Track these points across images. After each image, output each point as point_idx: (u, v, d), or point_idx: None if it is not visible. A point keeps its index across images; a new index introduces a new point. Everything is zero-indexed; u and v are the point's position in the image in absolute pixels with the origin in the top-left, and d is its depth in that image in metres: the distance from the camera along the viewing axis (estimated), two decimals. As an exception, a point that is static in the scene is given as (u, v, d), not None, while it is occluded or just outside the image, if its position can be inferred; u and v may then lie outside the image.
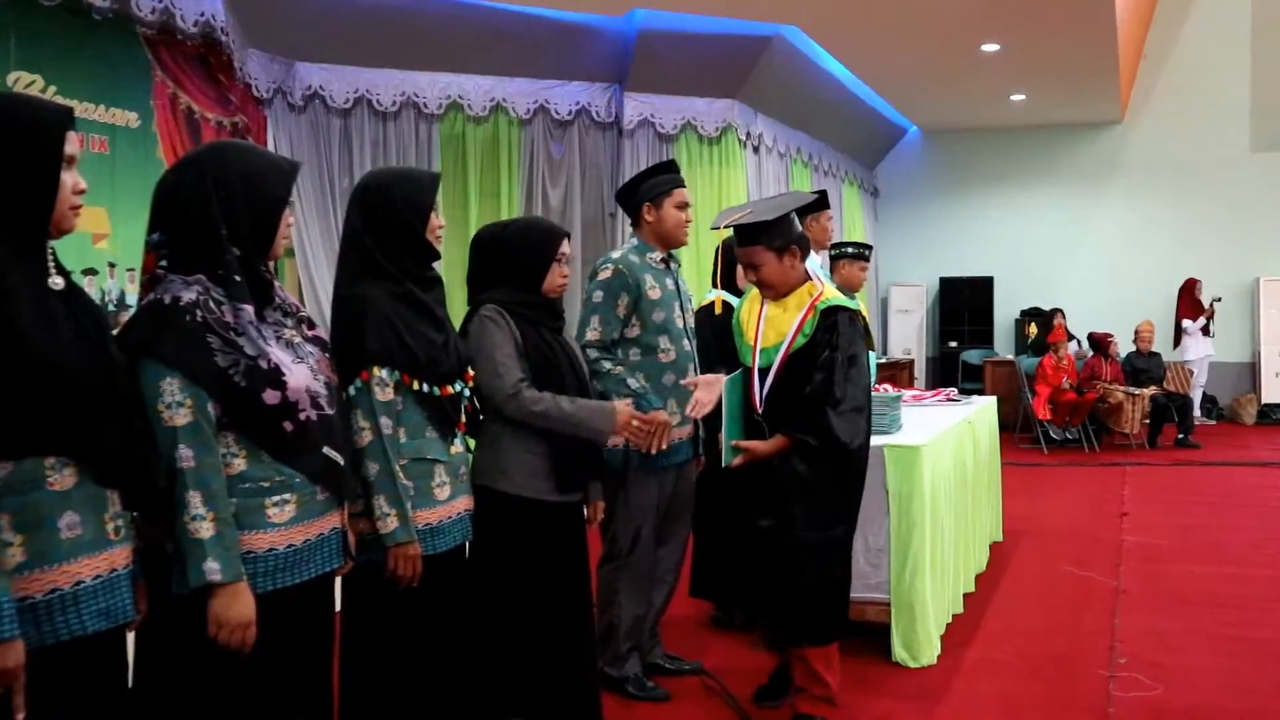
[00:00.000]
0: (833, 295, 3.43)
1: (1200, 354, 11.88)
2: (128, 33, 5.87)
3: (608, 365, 3.66)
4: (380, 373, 2.55)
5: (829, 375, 3.27)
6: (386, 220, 2.67)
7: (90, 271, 5.68)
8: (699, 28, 8.24)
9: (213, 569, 2.01)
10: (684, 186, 3.86)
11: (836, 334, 3.31)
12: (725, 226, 3.45)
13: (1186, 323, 11.84)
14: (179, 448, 2.01)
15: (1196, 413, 11.85)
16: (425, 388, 2.61)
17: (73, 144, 1.85)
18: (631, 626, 3.82)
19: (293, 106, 7.40)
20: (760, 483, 3.38)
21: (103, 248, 5.64)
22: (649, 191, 3.81)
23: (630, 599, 3.79)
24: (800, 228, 3.45)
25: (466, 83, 8.14)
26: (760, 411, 3.40)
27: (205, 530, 2.02)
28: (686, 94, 8.84)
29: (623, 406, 3.20)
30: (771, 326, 3.43)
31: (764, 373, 3.41)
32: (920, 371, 13.24)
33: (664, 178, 3.85)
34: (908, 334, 13.49)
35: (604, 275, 3.73)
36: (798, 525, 3.33)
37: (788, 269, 3.41)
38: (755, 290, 3.54)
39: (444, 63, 7.99)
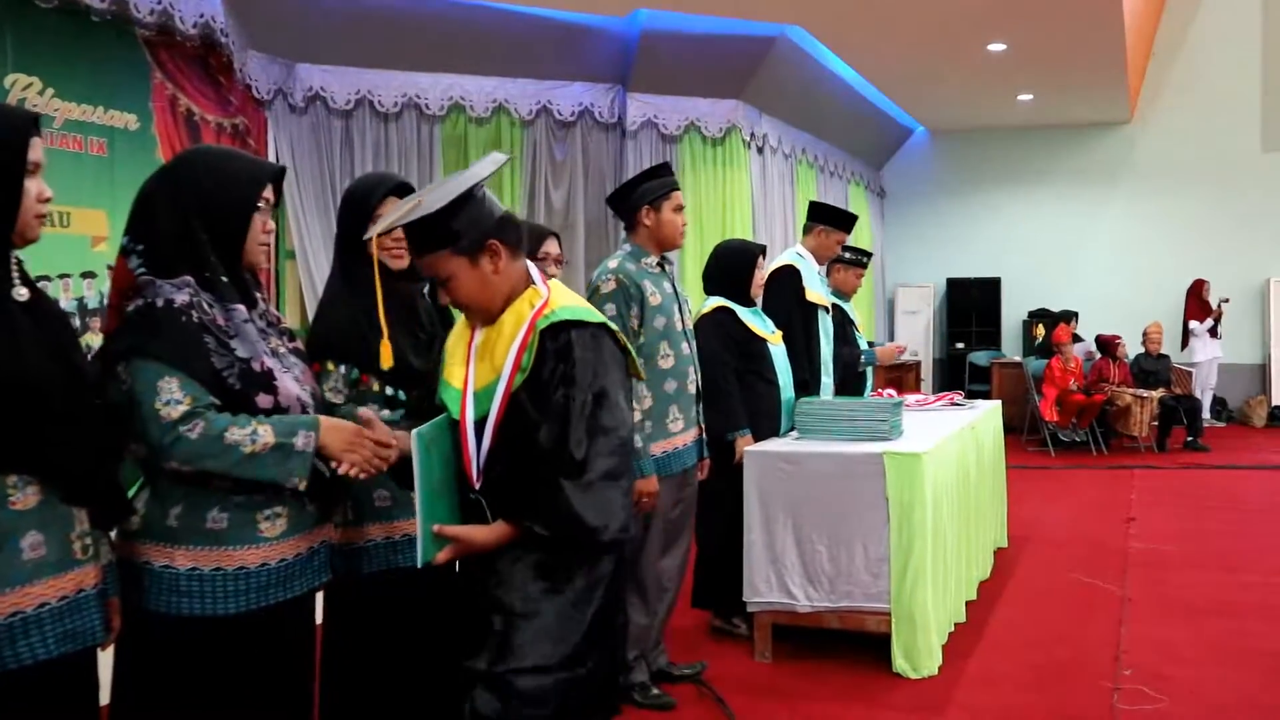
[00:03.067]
0: (565, 303, 2.33)
1: (1208, 356, 11.78)
2: (126, 34, 5.83)
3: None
4: (335, 368, 2.53)
5: (562, 428, 2.20)
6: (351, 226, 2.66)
7: (89, 274, 5.65)
8: (702, 28, 8.19)
9: (302, 440, 2.06)
10: (679, 189, 3.85)
11: (570, 363, 2.24)
12: (386, 232, 2.43)
13: (1194, 324, 11.75)
14: (181, 428, 1.97)
15: (1206, 415, 11.76)
16: (389, 391, 2.58)
17: (37, 151, 1.81)
18: (638, 635, 3.78)
19: (294, 108, 7.36)
20: (479, 593, 2.30)
21: (102, 250, 5.61)
22: (647, 195, 3.77)
23: (635, 608, 3.75)
24: (501, 211, 2.32)
25: (468, 83, 8.10)
26: (478, 484, 2.29)
27: (265, 433, 2.02)
28: (690, 94, 8.79)
29: None
30: (485, 361, 2.30)
31: (481, 426, 2.29)
32: (927, 373, 13.17)
33: (661, 180, 3.81)
34: (914, 335, 13.40)
35: (608, 288, 3.66)
36: (512, 658, 2.20)
37: (489, 277, 2.28)
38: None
39: (446, 63, 7.96)
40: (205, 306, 2.07)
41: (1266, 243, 12.34)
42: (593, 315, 2.34)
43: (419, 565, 2.22)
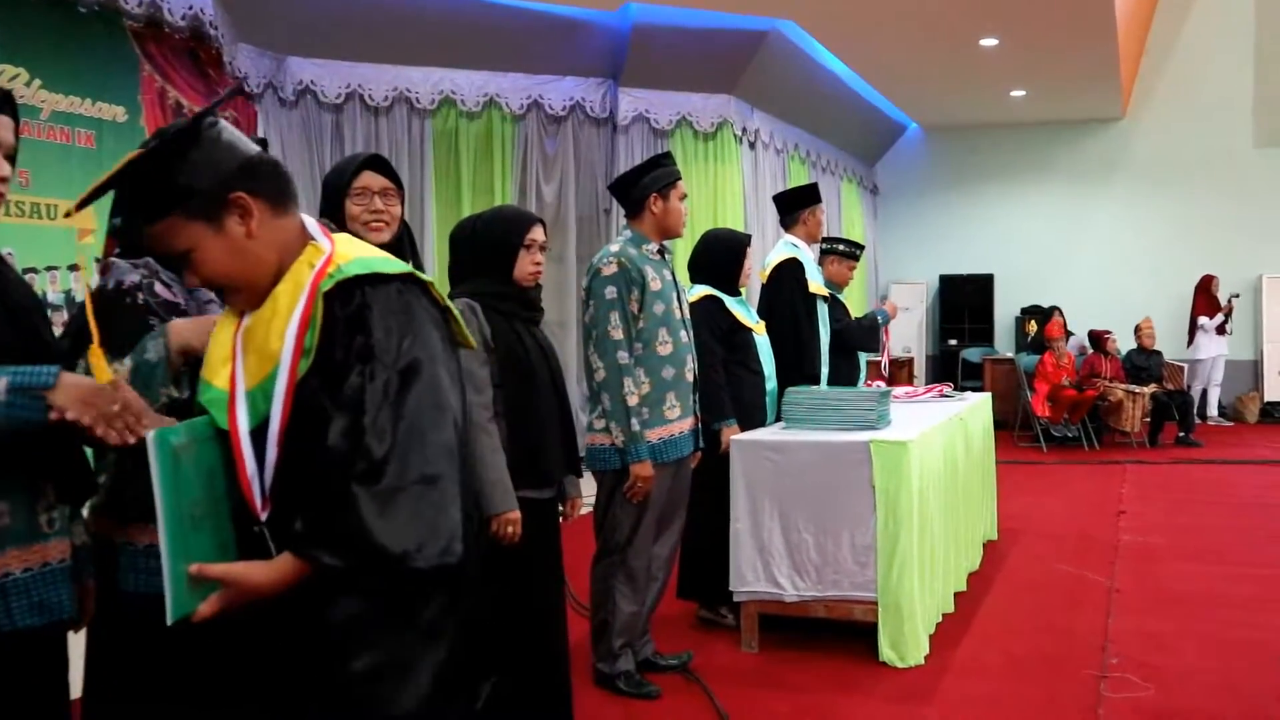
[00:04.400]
0: (356, 254, 1.77)
1: (1214, 352, 11.76)
2: (115, 26, 5.84)
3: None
4: None
5: (356, 418, 1.64)
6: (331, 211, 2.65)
7: (75, 267, 5.64)
8: (693, 22, 8.19)
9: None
10: (682, 178, 3.89)
11: (367, 331, 1.68)
12: (91, 200, 1.74)
13: (1203, 320, 11.73)
14: None
15: (1212, 412, 11.76)
16: None
17: (4, 129, 1.79)
18: (625, 624, 3.77)
19: (284, 101, 7.36)
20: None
21: (88, 243, 5.60)
22: (656, 182, 3.78)
23: (625, 596, 3.75)
24: (247, 153, 1.75)
25: (459, 78, 8.10)
26: (263, 513, 1.71)
27: None
28: (681, 89, 8.80)
29: (516, 517, 2.93)
30: (255, 351, 1.73)
31: (260, 436, 1.70)
32: (920, 369, 13.16)
33: (668, 169, 3.84)
34: (908, 332, 13.40)
35: (609, 270, 3.66)
36: None
37: (242, 243, 1.72)
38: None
39: (437, 57, 7.96)
40: (159, 287, 2.06)
41: (1260, 239, 12.36)
42: (394, 265, 1.75)
43: (169, 621, 1.62)
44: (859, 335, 5.36)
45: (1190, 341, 11.90)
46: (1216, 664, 4.05)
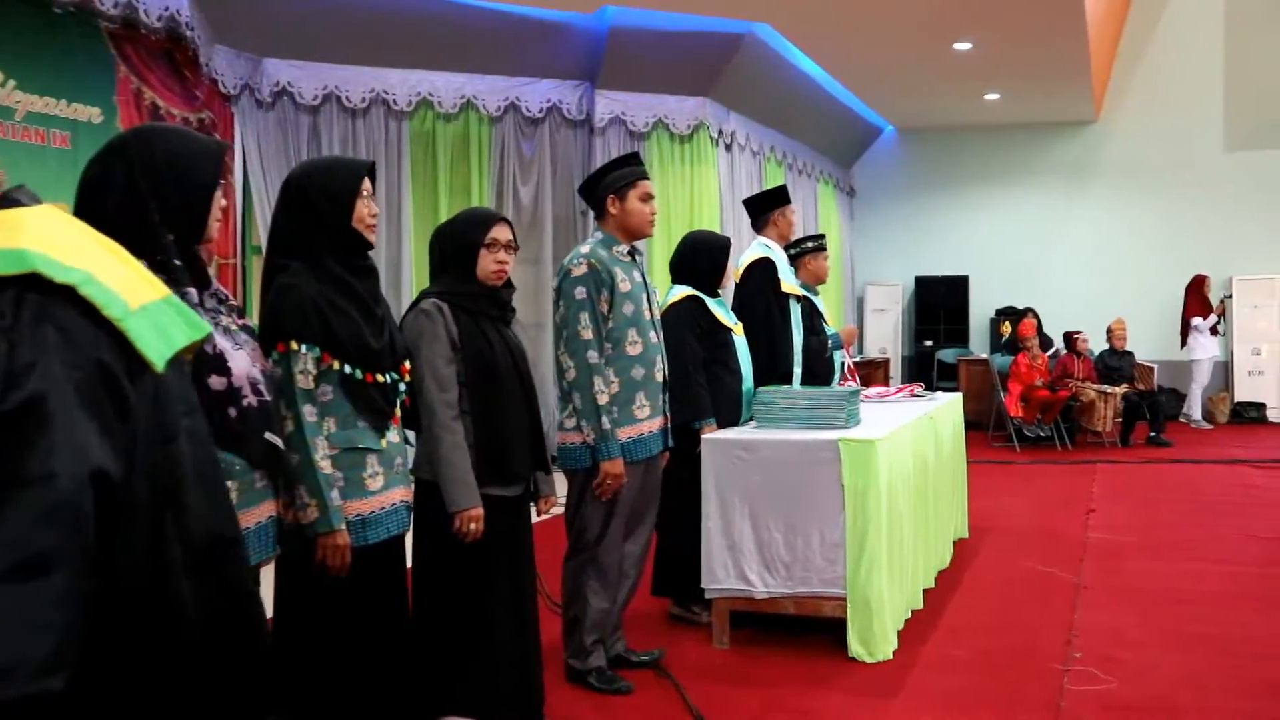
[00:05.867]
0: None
1: (1207, 354, 11.84)
2: (90, 27, 5.84)
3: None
4: (299, 348, 2.53)
5: None
6: (304, 209, 2.65)
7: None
8: (670, 25, 8.25)
9: None
10: (648, 179, 3.88)
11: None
12: None
13: (1197, 320, 11.83)
14: None
15: (1197, 415, 11.85)
16: (348, 369, 2.59)
17: None
18: (597, 620, 3.82)
19: (260, 103, 7.37)
20: None
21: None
22: (613, 183, 3.82)
23: (596, 593, 3.79)
24: None
25: (437, 79, 8.14)
26: None
27: None
28: (658, 91, 8.86)
29: (479, 514, 3.00)
30: None
31: None
32: (896, 370, 13.27)
33: (627, 169, 3.86)
34: (884, 333, 13.53)
35: (579, 271, 3.71)
36: None
37: None
38: None
39: (414, 59, 7.99)
40: None
41: (1230, 241, 12.52)
42: (42, 263, 1.23)
43: None
44: (806, 354, 5.34)
45: (1184, 343, 12.01)
46: (1178, 658, 4.13)
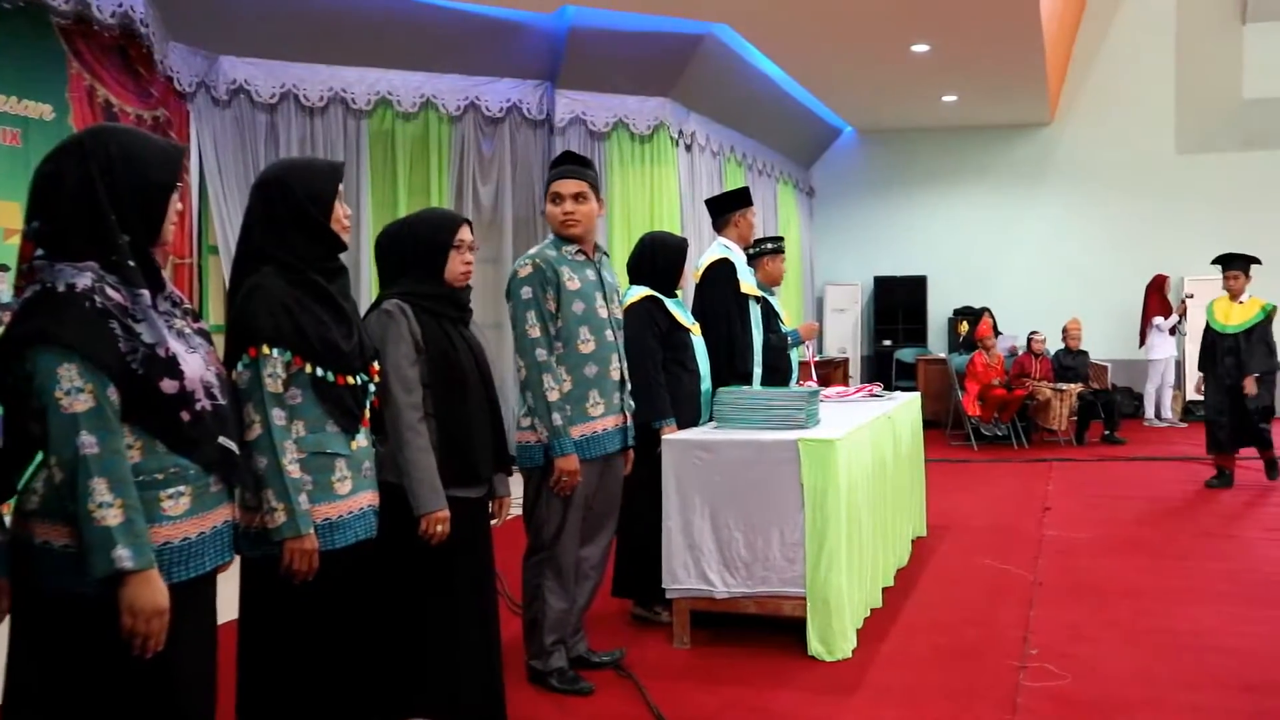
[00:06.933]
0: None
1: (1166, 354, 12.00)
2: (41, 23, 5.76)
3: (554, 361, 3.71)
4: (270, 352, 2.50)
5: None
6: (287, 210, 2.62)
7: (2, 268, 5.56)
8: (630, 25, 8.26)
9: (123, 556, 1.96)
10: (563, 178, 3.81)
11: None
12: None
13: (1158, 320, 11.98)
14: (80, 434, 1.96)
15: (1167, 414, 11.98)
16: (320, 372, 2.57)
17: None
18: (556, 621, 3.81)
19: (217, 101, 7.29)
20: None
21: (15, 243, 5.52)
22: (547, 188, 3.87)
23: (554, 593, 3.79)
24: None
25: (396, 78, 8.09)
26: None
27: (113, 517, 1.96)
28: (618, 91, 8.86)
29: (446, 516, 3.00)
30: None
31: None
32: (855, 370, 13.37)
33: (550, 172, 3.88)
34: (843, 333, 13.62)
35: (525, 272, 3.73)
36: None
37: None
38: None
39: (373, 58, 7.94)
40: (109, 290, 2.05)
41: (1181, 242, 12.71)
42: None
43: None
44: (768, 352, 5.37)
45: (1142, 342, 12.17)
46: (1132, 652, 4.20)
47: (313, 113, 7.77)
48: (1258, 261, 8.08)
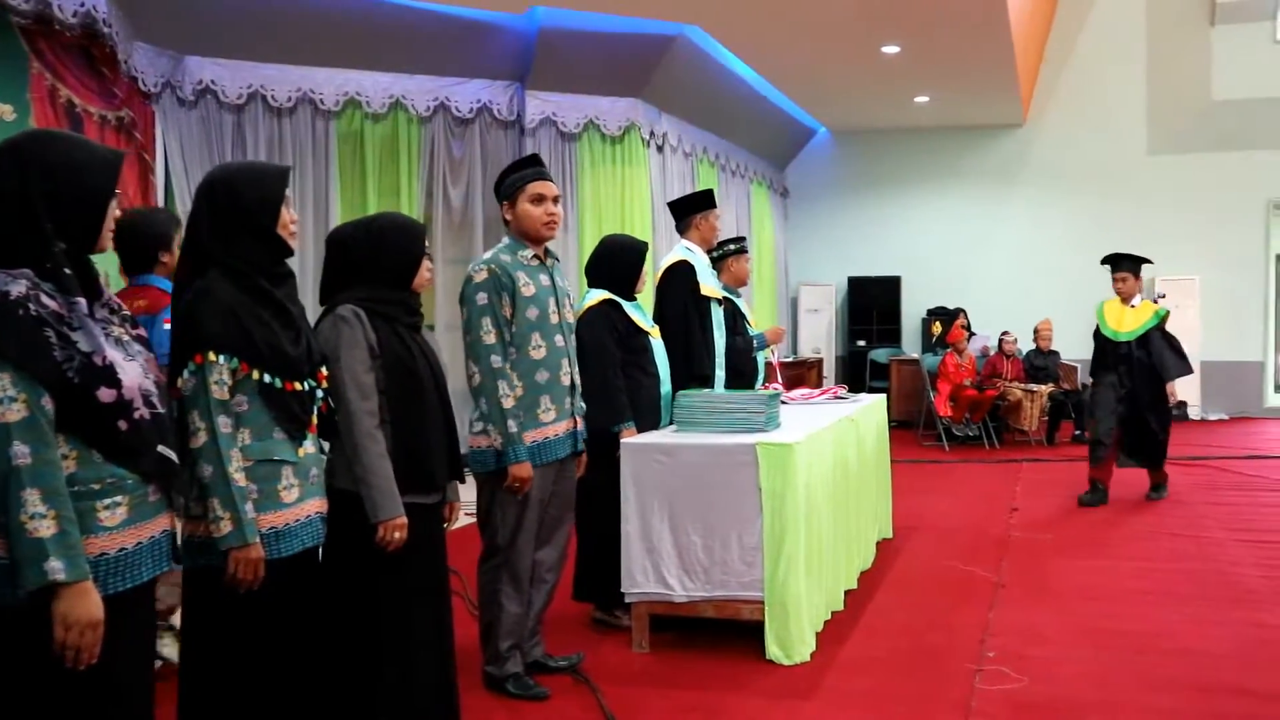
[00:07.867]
0: None
1: None
2: (1, 23, 5.69)
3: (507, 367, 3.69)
4: (216, 359, 2.48)
5: None
6: (234, 215, 2.60)
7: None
8: (600, 26, 8.25)
9: (56, 568, 1.95)
10: (544, 179, 3.81)
11: None
12: None
13: None
14: (12, 445, 1.94)
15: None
16: (267, 379, 2.55)
17: None
18: (511, 625, 3.81)
19: (183, 101, 7.25)
20: None
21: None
22: (506, 189, 3.83)
23: (509, 597, 3.78)
24: None
25: (364, 79, 8.05)
26: None
27: (46, 529, 1.95)
28: (589, 92, 8.85)
29: (404, 523, 2.97)
30: None
31: None
32: (830, 370, 13.40)
33: (520, 173, 3.84)
34: (817, 333, 13.65)
35: (480, 278, 3.71)
36: None
37: None
38: None
39: (341, 58, 7.90)
40: (44, 298, 2.03)
41: (1153, 242, 12.72)
42: None
43: None
44: (732, 354, 5.38)
45: None
46: (1089, 654, 4.22)
47: (280, 113, 7.73)
48: (1149, 261, 7.76)
